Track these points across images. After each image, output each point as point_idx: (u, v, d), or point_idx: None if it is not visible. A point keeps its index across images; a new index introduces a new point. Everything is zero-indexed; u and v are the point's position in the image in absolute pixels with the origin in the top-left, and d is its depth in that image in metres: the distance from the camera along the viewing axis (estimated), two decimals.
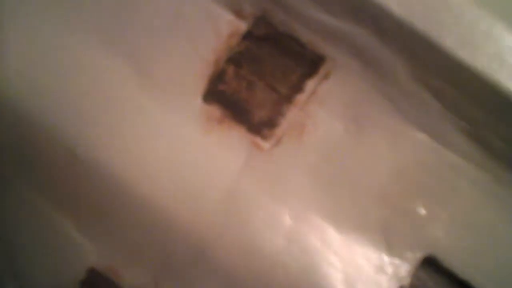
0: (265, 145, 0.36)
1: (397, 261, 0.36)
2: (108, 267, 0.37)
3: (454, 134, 0.36)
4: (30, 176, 0.38)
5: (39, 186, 0.38)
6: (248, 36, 0.37)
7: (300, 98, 0.36)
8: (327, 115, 0.36)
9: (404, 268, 0.35)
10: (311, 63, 0.36)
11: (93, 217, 0.37)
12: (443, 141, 0.36)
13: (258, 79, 0.37)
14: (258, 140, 0.36)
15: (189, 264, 0.36)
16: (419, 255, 0.35)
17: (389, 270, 0.35)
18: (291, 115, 0.36)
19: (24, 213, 0.38)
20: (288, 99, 0.36)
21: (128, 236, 0.37)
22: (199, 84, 0.36)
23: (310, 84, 0.36)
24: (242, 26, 0.37)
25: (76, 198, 0.37)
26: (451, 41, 0.32)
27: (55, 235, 0.38)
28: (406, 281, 0.36)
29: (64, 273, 0.38)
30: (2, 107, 0.37)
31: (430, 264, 0.35)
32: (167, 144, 0.36)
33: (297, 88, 0.36)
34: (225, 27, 0.37)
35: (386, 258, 0.36)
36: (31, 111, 0.36)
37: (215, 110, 0.37)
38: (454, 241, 0.35)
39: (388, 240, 0.36)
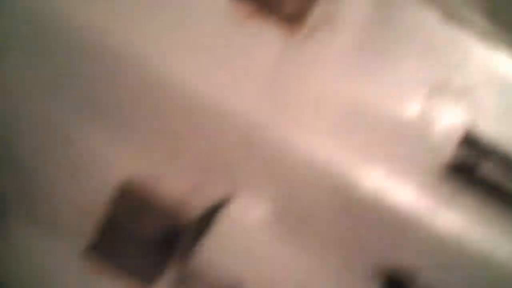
0: (298, 36, 0.35)
1: (436, 141, 0.35)
2: (143, 178, 0.33)
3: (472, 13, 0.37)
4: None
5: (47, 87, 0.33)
6: None
7: None
8: (357, 2, 0.36)
9: (445, 147, 0.35)
10: None
11: (124, 120, 0.33)
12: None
13: None
14: (290, 31, 0.35)
15: (236, 156, 0.33)
16: (458, 132, 0.35)
17: (428, 148, 0.35)
18: (321, 5, 0.36)
19: (38, 125, 0.33)
20: None
21: (165, 139, 0.33)
22: None
23: None
24: None
25: (102, 100, 0.33)
26: None
27: (76, 149, 0.33)
28: (447, 159, 0.35)
29: (91, 193, 0.33)
30: None
31: (470, 140, 0.36)
32: (196, 39, 0.34)
33: None
34: None
35: (423, 138, 0.35)
36: None
37: (243, 4, 0.35)
38: (491, 112, 0.36)
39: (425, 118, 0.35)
